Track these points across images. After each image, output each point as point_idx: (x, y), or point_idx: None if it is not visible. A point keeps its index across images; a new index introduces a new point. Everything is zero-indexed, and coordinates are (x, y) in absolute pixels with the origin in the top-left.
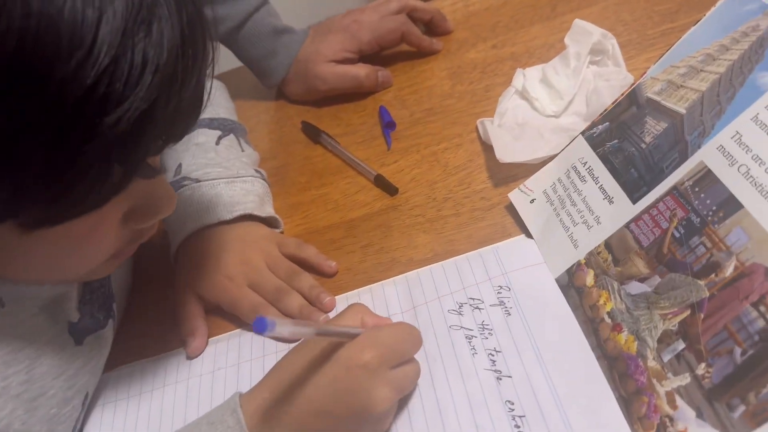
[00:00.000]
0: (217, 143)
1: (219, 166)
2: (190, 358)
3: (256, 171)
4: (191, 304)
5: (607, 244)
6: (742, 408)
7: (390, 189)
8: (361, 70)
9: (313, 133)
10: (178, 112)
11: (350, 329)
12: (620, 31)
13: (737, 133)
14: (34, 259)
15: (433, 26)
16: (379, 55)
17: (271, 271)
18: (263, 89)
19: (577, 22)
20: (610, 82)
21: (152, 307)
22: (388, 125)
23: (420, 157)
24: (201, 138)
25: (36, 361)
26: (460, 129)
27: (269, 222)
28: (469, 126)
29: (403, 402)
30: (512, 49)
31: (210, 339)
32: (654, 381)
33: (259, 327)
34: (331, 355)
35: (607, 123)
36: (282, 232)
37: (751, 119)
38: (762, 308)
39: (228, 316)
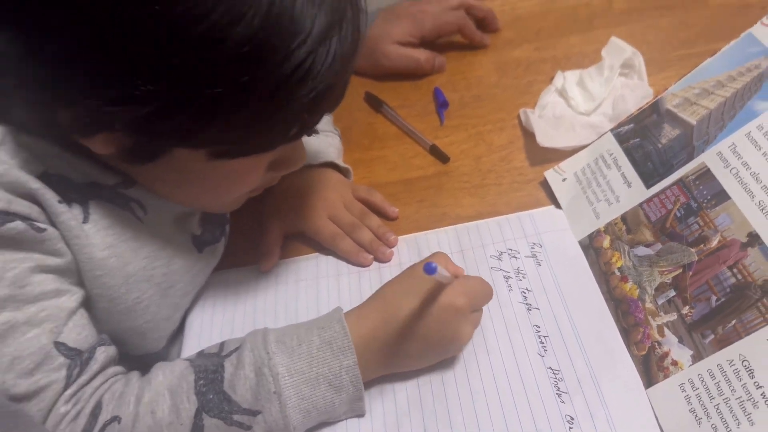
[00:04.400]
0: None
1: None
2: (262, 271)
3: (334, 128)
4: (272, 231)
5: (623, 218)
6: (711, 336)
7: (443, 157)
8: (422, 54)
9: (375, 103)
10: (344, 89)
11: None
12: (644, 50)
13: (733, 144)
14: (199, 184)
15: (484, 23)
16: (435, 42)
17: (347, 210)
18: None
19: (614, 39)
20: (635, 92)
21: (247, 229)
22: (442, 104)
23: (468, 135)
24: None
25: (172, 259)
26: (503, 115)
27: (343, 171)
28: (511, 114)
29: None
30: (553, 53)
31: (294, 258)
32: (649, 317)
33: (429, 270)
34: (433, 296)
35: (632, 125)
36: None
37: (745, 135)
38: (735, 270)
39: (306, 241)
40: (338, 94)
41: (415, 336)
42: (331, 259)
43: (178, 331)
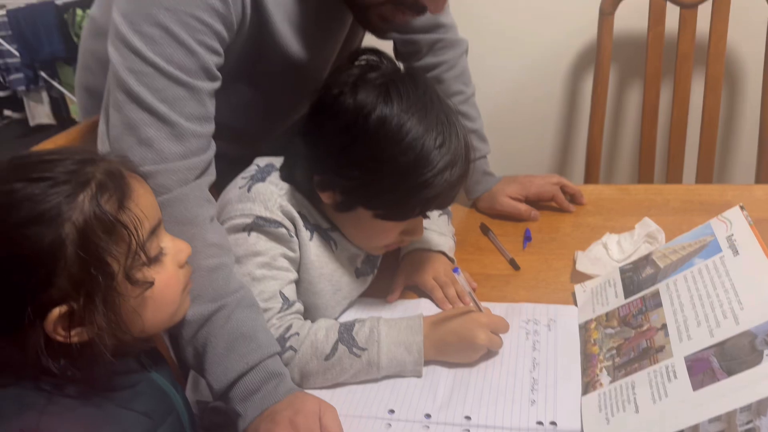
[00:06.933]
0: (440, 215)
1: (436, 225)
2: (388, 301)
3: (453, 237)
4: (399, 279)
5: (606, 314)
6: (623, 371)
7: (515, 266)
8: (523, 207)
9: (484, 230)
10: (449, 200)
11: (481, 305)
12: (675, 232)
13: (675, 280)
14: (364, 231)
15: (573, 198)
16: (536, 202)
17: (445, 277)
18: (464, 200)
19: (646, 219)
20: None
21: (386, 275)
22: (527, 238)
23: (537, 259)
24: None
25: (342, 276)
26: (566, 252)
27: (450, 259)
28: (572, 253)
29: (488, 356)
30: (614, 224)
31: (407, 299)
32: (598, 363)
33: (455, 270)
34: (467, 314)
35: (632, 265)
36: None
37: (683, 276)
38: (647, 341)
39: (416, 292)
40: (445, 201)
41: (452, 330)
42: (428, 302)
43: None
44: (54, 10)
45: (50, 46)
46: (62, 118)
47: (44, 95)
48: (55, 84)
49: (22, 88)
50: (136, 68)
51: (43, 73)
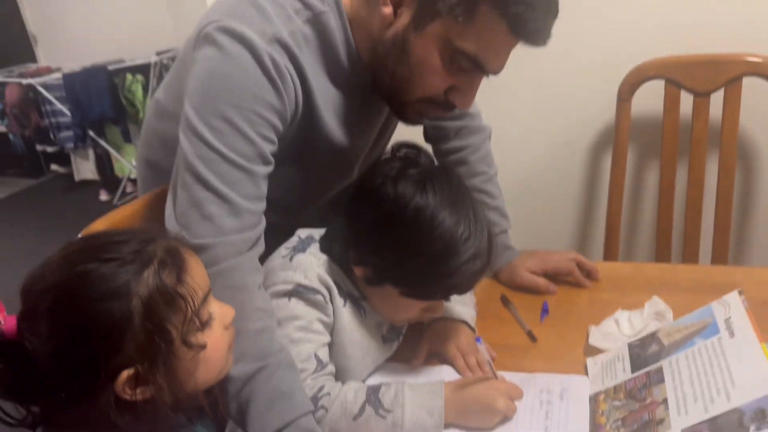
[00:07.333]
0: None
1: (459, 296)
2: (412, 366)
3: (475, 307)
4: (424, 346)
5: (614, 387)
6: None
7: (533, 338)
8: (542, 281)
9: (505, 302)
10: (469, 287)
11: (498, 375)
12: (683, 310)
13: (677, 358)
14: (390, 305)
15: (589, 274)
16: (553, 277)
17: (467, 345)
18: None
19: (655, 297)
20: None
21: (411, 343)
22: (545, 311)
23: (553, 331)
24: None
25: (370, 341)
26: (580, 325)
27: (472, 328)
28: (585, 327)
29: (503, 421)
30: (628, 300)
31: (430, 365)
32: None
33: (477, 339)
34: (486, 381)
35: (640, 341)
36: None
37: (684, 354)
38: (650, 414)
39: (440, 359)
40: (465, 288)
41: (473, 396)
42: (450, 368)
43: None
44: (106, 74)
45: (100, 107)
46: (106, 174)
47: (90, 152)
48: (102, 142)
49: (70, 145)
50: (203, 155)
51: (91, 132)
